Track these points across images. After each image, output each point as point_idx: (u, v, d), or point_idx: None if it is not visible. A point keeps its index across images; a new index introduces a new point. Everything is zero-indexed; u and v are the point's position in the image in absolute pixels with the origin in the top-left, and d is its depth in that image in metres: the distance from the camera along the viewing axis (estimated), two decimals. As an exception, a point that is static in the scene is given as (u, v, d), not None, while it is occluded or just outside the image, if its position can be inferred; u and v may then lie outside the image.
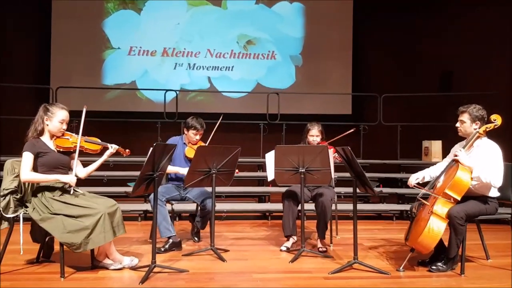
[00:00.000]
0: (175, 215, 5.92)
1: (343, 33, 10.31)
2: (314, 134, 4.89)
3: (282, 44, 10.26)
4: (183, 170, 4.73)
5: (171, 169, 4.68)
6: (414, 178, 4.18)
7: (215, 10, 10.11)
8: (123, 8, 9.82)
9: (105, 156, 4.00)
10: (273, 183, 4.67)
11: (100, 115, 8.74)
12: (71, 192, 3.77)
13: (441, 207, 3.84)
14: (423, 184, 4.15)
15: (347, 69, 10.36)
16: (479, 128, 4.01)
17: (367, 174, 4.05)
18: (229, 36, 10.14)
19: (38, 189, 3.77)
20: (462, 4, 8.86)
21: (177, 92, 8.35)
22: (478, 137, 4.00)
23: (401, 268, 3.93)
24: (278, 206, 6.48)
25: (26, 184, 3.81)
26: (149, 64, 9.90)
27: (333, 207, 4.89)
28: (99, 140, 4.02)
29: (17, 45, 9.23)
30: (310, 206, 4.95)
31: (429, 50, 9.61)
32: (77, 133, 3.98)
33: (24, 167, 3.71)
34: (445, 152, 7.37)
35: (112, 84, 9.75)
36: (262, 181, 7.37)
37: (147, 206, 6.21)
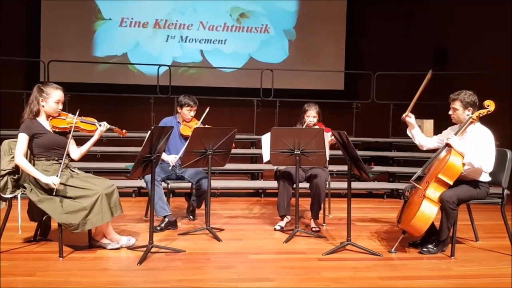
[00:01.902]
0: (170, 192, 5.96)
1: (337, 7, 10.22)
2: (311, 115, 4.91)
3: (276, 17, 10.16)
4: (167, 157, 4.74)
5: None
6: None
7: (208, -19, 9.94)
8: (114, -22, 9.62)
9: (96, 136, 3.99)
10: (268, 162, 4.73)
11: (92, 88, 8.68)
12: (54, 194, 3.66)
13: (434, 191, 3.92)
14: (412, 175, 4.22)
15: (340, 44, 10.32)
16: (471, 113, 4.05)
17: (359, 152, 4.11)
18: (222, 9, 10.01)
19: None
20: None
21: (170, 67, 8.28)
22: (471, 122, 4.04)
23: (393, 249, 4.04)
24: (271, 184, 6.58)
25: (24, 165, 3.81)
26: (141, 36, 9.77)
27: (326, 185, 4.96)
28: (95, 120, 4.00)
29: (6, 16, 9.01)
30: (304, 184, 5.02)
31: (424, 26, 9.60)
32: (70, 112, 3.98)
33: (18, 150, 3.71)
34: (437, 131, 7.48)
35: (103, 56, 9.62)
36: (255, 158, 7.42)
37: (141, 183, 6.24)
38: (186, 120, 4.98)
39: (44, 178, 3.66)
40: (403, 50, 9.84)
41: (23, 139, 3.73)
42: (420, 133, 4.39)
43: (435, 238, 4.05)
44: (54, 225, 4.09)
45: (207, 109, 4.88)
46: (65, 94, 3.98)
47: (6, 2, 8.94)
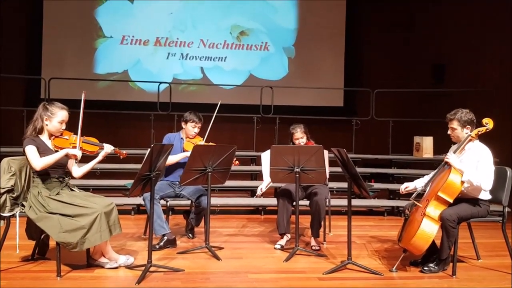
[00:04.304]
0: (169, 210, 5.93)
1: (336, 25, 10.30)
2: (299, 137, 4.90)
3: (275, 35, 10.22)
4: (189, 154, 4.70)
5: (174, 158, 4.72)
6: (403, 187, 4.24)
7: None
8: (115, -4, 9.71)
9: (99, 157, 3.99)
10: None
11: (93, 105, 8.68)
12: (76, 162, 3.85)
13: (434, 209, 3.90)
14: (412, 193, 4.21)
15: (340, 61, 10.36)
16: (470, 131, 4.06)
17: (359, 169, 4.10)
18: (222, 27, 10.08)
19: (34, 188, 3.77)
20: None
21: (171, 84, 8.32)
22: (470, 140, 4.05)
23: (394, 268, 4.00)
24: (271, 201, 6.55)
25: (23, 182, 3.82)
26: (141, 54, 9.82)
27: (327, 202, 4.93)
28: (97, 141, 4.01)
29: (7, 33, 9.07)
30: (303, 202, 5.01)
31: (423, 42, 9.67)
32: (72, 130, 3.98)
33: (33, 158, 3.70)
34: (436, 148, 7.50)
35: (104, 73, 9.66)
36: (255, 175, 7.40)
37: (140, 200, 6.17)
38: (190, 136, 4.98)
39: (70, 150, 3.77)
40: (402, 67, 9.90)
41: (32, 149, 3.71)
42: (418, 183, 4.27)
43: (436, 257, 4.02)
44: (52, 243, 4.06)
45: (218, 106, 4.90)
46: (68, 113, 3.97)
47: (7, 19, 9.01)
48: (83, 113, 3.91)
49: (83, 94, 3.92)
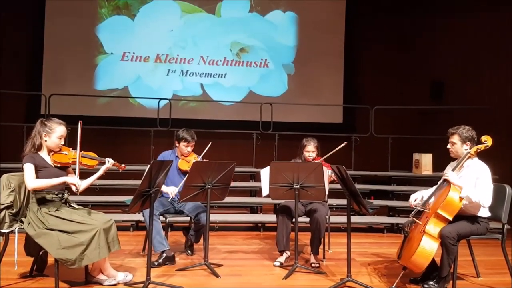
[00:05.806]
0: (168, 226, 5.91)
1: (335, 42, 10.38)
2: (310, 150, 4.93)
3: (275, 52, 10.30)
4: (166, 189, 4.74)
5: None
6: (413, 199, 4.22)
7: (208, 17, 10.13)
8: (116, 13, 9.79)
9: (101, 171, 4.01)
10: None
11: (93, 120, 8.72)
12: (77, 192, 3.82)
13: (433, 227, 3.90)
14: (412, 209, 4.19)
15: (339, 78, 10.42)
16: (469, 148, 4.08)
17: (358, 186, 4.10)
18: (222, 44, 10.16)
19: (33, 204, 3.76)
20: (455, 15, 8.98)
21: (171, 100, 8.36)
22: (469, 157, 4.07)
23: (393, 286, 3.98)
24: (271, 218, 6.53)
25: (22, 199, 3.82)
26: (142, 70, 9.87)
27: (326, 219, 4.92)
28: (96, 155, 4.02)
29: (8, 50, 9.13)
30: (303, 219, 5.00)
31: (422, 60, 9.74)
32: (71, 146, 3.99)
33: (28, 177, 3.71)
34: (435, 165, 7.51)
35: (105, 90, 9.70)
36: (255, 192, 7.39)
37: (139, 216, 6.19)
38: (184, 154, 4.98)
39: (68, 179, 3.78)
40: (401, 84, 9.97)
41: (30, 167, 3.72)
42: (425, 193, 4.25)
43: (436, 274, 4.00)
44: (50, 260, 4.04)
45: (209, 145, 4.90)
46: (66, 128, 3.99)
47: (8, 35, 9.08)
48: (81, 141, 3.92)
49: (79, 123, 3.93)
